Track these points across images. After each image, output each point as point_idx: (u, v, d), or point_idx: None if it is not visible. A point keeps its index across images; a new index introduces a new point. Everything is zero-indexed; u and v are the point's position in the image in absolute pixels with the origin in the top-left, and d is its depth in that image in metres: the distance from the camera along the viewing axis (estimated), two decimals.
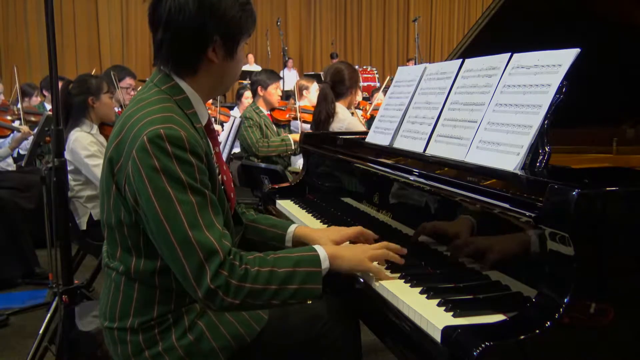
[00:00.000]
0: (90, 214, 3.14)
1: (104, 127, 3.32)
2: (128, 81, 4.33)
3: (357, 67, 3.85)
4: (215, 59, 1.43)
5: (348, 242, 1.69)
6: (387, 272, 1.49)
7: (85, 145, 3.06)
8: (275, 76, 4.68)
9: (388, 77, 8.33)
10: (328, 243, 1.62)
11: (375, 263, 1.50)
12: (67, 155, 3.08)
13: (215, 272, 1.27)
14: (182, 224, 1.27)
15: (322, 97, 3.55)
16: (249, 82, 4.79)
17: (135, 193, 1.31)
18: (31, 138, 4.40)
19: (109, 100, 3.25)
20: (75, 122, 3.14)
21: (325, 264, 1.41)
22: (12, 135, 4.66)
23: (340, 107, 3.53)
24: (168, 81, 1.44)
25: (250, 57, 12.07)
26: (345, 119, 3.50)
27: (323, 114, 3.49)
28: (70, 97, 3.13)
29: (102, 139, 3.23)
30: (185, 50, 1.42)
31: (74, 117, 3.14)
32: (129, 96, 4.36)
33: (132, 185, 1.31)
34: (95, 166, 3.06)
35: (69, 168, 3.10)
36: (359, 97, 4.93)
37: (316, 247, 1.46)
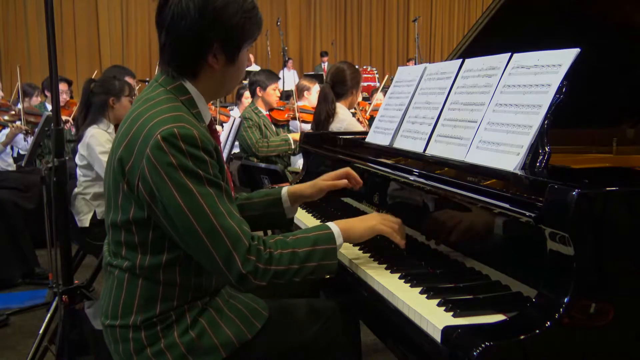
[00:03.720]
0: (95, 212, 3.15)
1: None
2: (127, 81, 4.34)
3: (356, 67, 3.82)
4: (215, 65, 1.45)
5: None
6: (398, 237, 1.57)
7: (101, 142, 3.09)
8: (274, 77, 4.67)
9: (387, 76, 8.31)
10: (317, 182, 1.80)
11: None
12: (81, 150, 3.12)
13: (245, 258, 1.33)
14: (207, 214, 1.31)
15: (322, 97, 3.55)
16: (248, 82, 4.79)
17: (151, 190, 1.33)
18: (31, 138, 4.40)
19: (128, 103, 3.29)
20: (93, 120, 3.18)
21: (339, 240, 1.49)
22: (2, 131, 4.66)
23: (340, 107, 3.53)
24: (173, 82, 1.46)
25: (251, 57, 12.06)
26: (345, 119, 3.49)
27: (323, 114, 3.49)
28: (92, 95, 3.19)
29: None
30: (186, 55, 1.43)
31: (93, 114, 3.19)
32: None
33: (149, 182, 1.33)
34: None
35: (81, 163, 3.14)
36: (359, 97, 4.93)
37: (329, 224, 1.52)
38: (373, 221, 1.57)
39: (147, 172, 1.32)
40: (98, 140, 3.09)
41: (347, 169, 1.81)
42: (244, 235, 1.35)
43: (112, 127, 3.23)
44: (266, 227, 1.47)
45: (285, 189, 1.84)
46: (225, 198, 1.36)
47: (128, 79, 4.33)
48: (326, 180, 1.81)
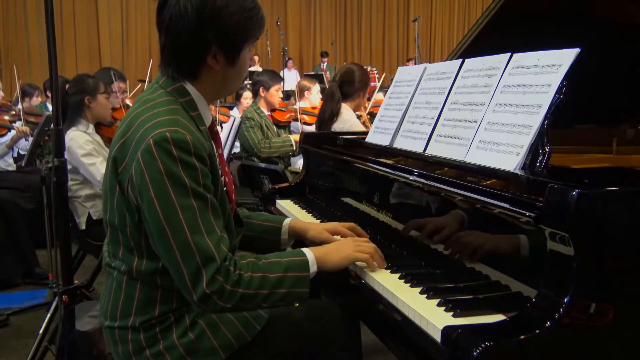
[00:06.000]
0: (89, 214, 3.14)
1: (100, 127, 3.33)
2: (118, 85, 4.34)
3: (367, 69, 3.78)
4: (215, 66, 1.43)
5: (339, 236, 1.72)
6: (379, 258, 1.53)
7: (81, 144, 3.07)
8: (277, 77, 4.69)
9: (384, 74, 8.29)
10: (322, 232, 1.70)
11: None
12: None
13: (211, 278, 1.29)
14: (183, 229, 1.28)
15: (329, 96, 3.53)
16: (249, 82, 4.79)
17: (137, 194, 1.32)
18: (31, 138, 4.41)
19: (105, 100, 3.26)
20: (71, 122, 3.15)
21: (313, 268, 1.44)
22: (8, 134, 4.68)
23: (345, 108, 3.51)
24: (174, 83, 1.44)
25: (255, 58, 12.00)
26: (349, 121, 3.48)
27: (328, 112, 3.48)
28: (67, 96, 3.14)
29: (98, 138, 3.24)
30: (185, 57, 1.42)
31: (70, 116, 3.15)
32: (118, 100, 4.38)
33: (135, 186, 1.31)
34: (92, 165, 3.07)
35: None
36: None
37: (305, 250, 1.47)
38: (349, 249, 1.52)
39: (135, 175, 1.31)
40: (78, 143, 3.06)
41: (353, 224, 1.75)
42: (219, 255, 1.30)
43: (91, 127, 3.20)
44: (259, 250, 1.44)
45: (287, 221, 1.79)
46: (209, 212, 1.32)
47: (119, 83, 4.32)
48: (330, 230, 1.74)
